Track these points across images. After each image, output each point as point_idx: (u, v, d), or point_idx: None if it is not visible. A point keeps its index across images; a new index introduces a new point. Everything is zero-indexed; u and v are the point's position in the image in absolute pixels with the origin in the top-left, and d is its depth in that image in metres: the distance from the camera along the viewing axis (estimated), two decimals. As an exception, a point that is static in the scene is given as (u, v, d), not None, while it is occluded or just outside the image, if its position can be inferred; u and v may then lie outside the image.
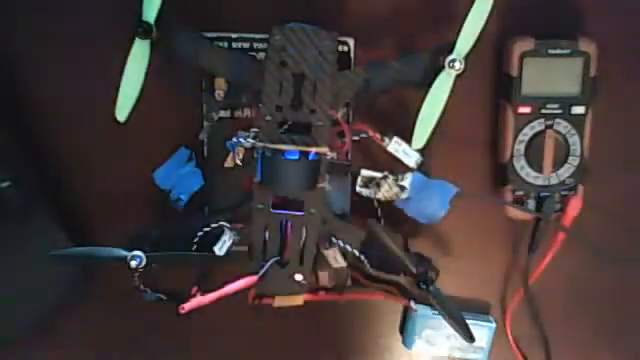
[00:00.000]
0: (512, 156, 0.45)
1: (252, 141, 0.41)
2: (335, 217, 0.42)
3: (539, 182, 0.45)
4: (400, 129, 0.42)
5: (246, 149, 0.43)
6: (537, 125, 0.45)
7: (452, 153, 0.47)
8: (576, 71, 0.44)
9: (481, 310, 0.51)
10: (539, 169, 0.45)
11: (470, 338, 0.40)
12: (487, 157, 0.48)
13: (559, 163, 0.45)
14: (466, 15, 0.37)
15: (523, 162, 0.45)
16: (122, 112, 0.39)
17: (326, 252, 0.42)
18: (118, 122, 0.39)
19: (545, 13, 0.46)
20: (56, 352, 0.51)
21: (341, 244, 0.42)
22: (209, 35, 0.42)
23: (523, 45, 0.44)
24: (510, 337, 0.50)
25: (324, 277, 0.47)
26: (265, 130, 0.40)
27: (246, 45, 0.44)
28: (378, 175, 0.41)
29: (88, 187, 0.48)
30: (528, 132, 0.45)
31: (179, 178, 0.45)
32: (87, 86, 0.46)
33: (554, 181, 0.45)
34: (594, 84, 0.44)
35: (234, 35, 0.44)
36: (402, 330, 0.51)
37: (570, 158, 0.45)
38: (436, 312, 0.41)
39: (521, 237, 0.49)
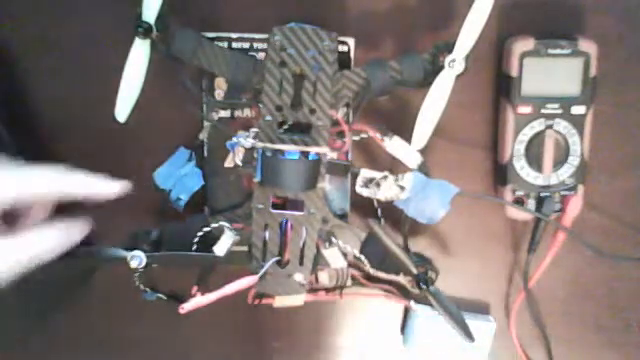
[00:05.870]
0: (512, 156, 0.45)
1: (252, 141, 0.41)
2: (335, 217, 0.42)
3: (539, 182, 0.45)
4: (400, 129, 0.42)
5: (246, 149, 0.43)
6: (537, 125, 0.45)
7: (452, 153, 0.47)
8: (576, 71, 0.44)
9: (481, 310, 0.51)
10: (539, 169, 0.45)
11: (470, 338, 0.40)
12: (487, 157, 0.48)
13: (559, 163, 0.45)
14: (466, 15, 0.37)
15: (523, 162, 0.45)
16: (122, 112, 0.39)
17: (326, 252, 0.42)
18: (118, 122, 0.39)
19: (545, 13, 0.46)
20: (56, 352, 0.51)
21: (341, 244, 0.42)
22: (209, 35, 0.42)
23: (523, 45, 0.44)
24: (515, 338, 0.50)
25: (324, 277, 0.47)
26: (265, 130, 0.40)
27: (246, 45, 0.44)
28: (378, 175, 0.41)
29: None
30: (528, 132, 0.45)
31: (179, 178, 0.45)
32: (87, 86, 0.46)
33: (554, 181, 0.45)
34: (594, 84, 0.44)
35: (234, 35, 0.44)
36: (402, 330, 0.51)
37: (570, 158, 0.45)
38: (436, 312, 0.41)
39: (521, 237, 0.49)
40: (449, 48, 0.38)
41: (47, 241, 0.34)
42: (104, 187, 0.36)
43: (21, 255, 0.33)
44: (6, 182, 0.33)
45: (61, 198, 0.35)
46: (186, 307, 0.41)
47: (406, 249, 0.45)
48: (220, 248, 0.41)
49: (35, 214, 0.36)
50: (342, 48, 0.44)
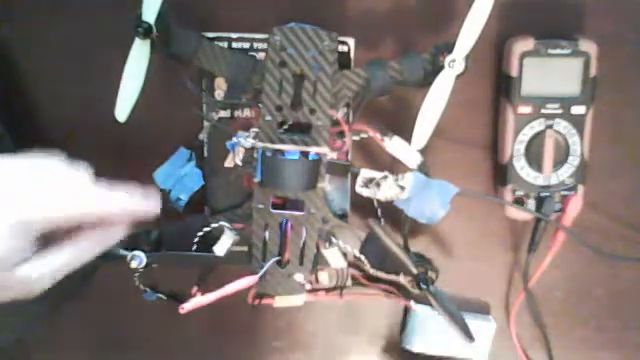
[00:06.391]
0: (512, 156, 0.45)
1: (252, 141, 0.41)
2: (335, 217, 0.42)
3: (539, 182, 0.45)
4: (400, 129, 0.42)
5: (246, 149, 0.43)
6: (537, 125, 0.45)
7: (452, 153, 0.47)
8: (576, 71, 0.44)
9: (481, 310, 0.51)
10: (539, 169, 0.45)
11: (470, 338, 0.40)
12: (487, 157, 0.48)
13: (559, 163, 0.45)
14: (466, 15, 0.37)
15: (523, 162, 0.45)
16: (122, 112, 0.39)
17: (326, 252, 0.42)
18: (118, 122, 0.39)
19: (545, 13, 0.46)
20: (56, 352, 0.51)
21: (341, 244, 0.42)
22: (209, 35, 0.42)
23: (523, 45, 0.44)
24: (514, 337, 0.50)
25: (324, 277, 0.47)
26: (265, 130, 0.40)
27: (246, 45, 0.44)
28: (378, 175, 0.41)
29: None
30: (528, 132, 0.45)
31: (179, 178, 0.45)
32: (87, 86, 0.46)
33: (554, 181, 0.45)
34: (594, 84, 0.44)
35: (234, 35, 0.44)
36: (402, 330, 0.51)
37: (570, 158, 0.45)
38: (436, 312, 0.41)
39: (521, 237, 0.49)
40: (449, 48, 0.38)
41: (82, 252, 0.34)
42: (145, 205, 0.35)
43: (56, 267, 0.33)
44: (71, 206, 0.32)
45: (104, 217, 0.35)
46: (186, 307, 0.41)
47: (406, 249, 0.45)
48: (220, 248, 0.41)
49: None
50: (342, 48, 0.44)
